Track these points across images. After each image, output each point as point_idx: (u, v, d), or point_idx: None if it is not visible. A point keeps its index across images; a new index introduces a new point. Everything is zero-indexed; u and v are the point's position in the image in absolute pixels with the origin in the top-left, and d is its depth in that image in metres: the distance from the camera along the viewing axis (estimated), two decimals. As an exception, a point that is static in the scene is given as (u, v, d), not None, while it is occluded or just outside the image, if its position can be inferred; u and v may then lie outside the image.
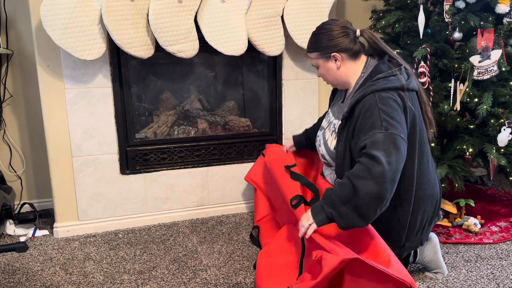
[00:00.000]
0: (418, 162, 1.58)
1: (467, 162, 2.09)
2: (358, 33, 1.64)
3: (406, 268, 1.73)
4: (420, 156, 1.59)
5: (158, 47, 2.11)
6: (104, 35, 2.05)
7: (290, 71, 2.48)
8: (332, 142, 1.71)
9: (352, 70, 1.66)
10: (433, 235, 1.81)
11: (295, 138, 2.14)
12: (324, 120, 1.89)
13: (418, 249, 1.76)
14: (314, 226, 1.42)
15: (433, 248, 1.77)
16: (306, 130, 2.11)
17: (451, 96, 2.07)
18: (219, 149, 2.47)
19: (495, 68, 2.02)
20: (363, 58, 1.68)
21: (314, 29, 1.71)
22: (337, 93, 1.87)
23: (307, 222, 1.44)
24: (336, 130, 1.69)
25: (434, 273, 1.79)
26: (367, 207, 1.35)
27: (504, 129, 2.01)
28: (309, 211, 1.46)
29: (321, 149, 1.80)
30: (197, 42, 2.16)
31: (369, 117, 1.46)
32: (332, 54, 1.63)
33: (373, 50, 1.70)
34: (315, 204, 1.47)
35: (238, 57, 2.29)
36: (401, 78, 1.54)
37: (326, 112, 1.93)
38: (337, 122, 1.71)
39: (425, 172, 1.61)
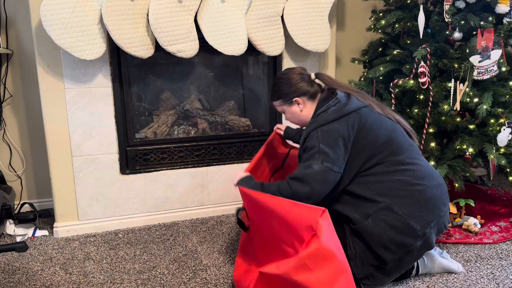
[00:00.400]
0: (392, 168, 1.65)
1: (467, 162, 2.09)
2: (313, 76, 1.81)
3: (406, 277, 1.76)
4: (392, 162, 1.65)
5: (158, 47, 2.11)
6: (104, 35, 2.05)
7: (290, 71, 2.47)
8: None
9: (312, 111, 1.80)
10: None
11: (287, 128, 2.17)
12: None
13: (419, 264, 1.78)
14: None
15: (431, 258, 1.80)
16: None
17: (451, 96, 2.07)
18: (219, 149, 2.47)
19: (495, 68, 2.02)
20: (317, 98, 1.81)
21: (274, 79, 1.88)
22: None
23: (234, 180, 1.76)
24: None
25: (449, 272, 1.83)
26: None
27: (504, 129, 2.01)
28: (242, 177, 1.75)
29: None
30: (197, 42, 2.16)
31: (310, 149, 1.65)
32: (294, 99, 1.79)
33: (327, 88, 1.83)
34: (249, 179, 1.75)
35: (238, 57, 2.29)
36: (339, 106, 1.67)
37: None
38: None
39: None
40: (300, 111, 1.80)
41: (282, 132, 2.16)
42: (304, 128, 1.97)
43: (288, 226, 1.47)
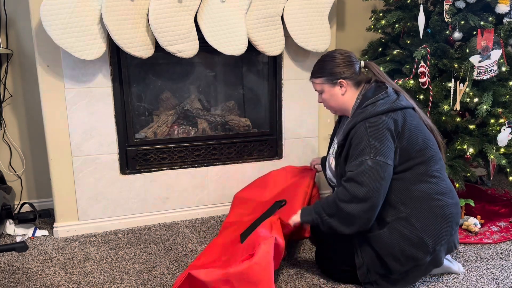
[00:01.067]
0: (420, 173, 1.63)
1: (467, 162, 2.09)
2: (362, 64, 1.77)
3: None
4: (421, 171, 1.62)
5: (158, 47, 2.11)
6: (104, 35, 2.05)
7: (290, 71, 2.48)
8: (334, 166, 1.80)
9: (353, 98, 1.76)
10: None
11: (323, 159, 2.15)
12: (331, 146, 1.98)
13: None
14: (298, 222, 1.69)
15: None
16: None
17: (451, 96, 2.07)
18: (219, 149, 2.47)
19: (495, 68, 2.02)
20: (361, 87, 1.76)
21: (320, 57, 1.80)
22: (341, 121, 1.95)
23: (296, 219, 1.69)
24: (335, 156, 1.78)
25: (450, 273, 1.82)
26: (349, 223, 1.56)
27: (504, 129, 2.01)
28: (299, 212, 1.70)
29: (328, 173, 1.95)
30: (197, 42, 2.16)
31: (358, 144, 1.58)
32: (339, 80, 1.73)
33: (375, 79, 1.78)
34: (306, 207, 1.71)
35: (238, 57, 2.29)
36: (389, 100, 1.64)
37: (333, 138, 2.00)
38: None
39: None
40: (342, 94, 1.75)
41: (319, 165, 2.16)
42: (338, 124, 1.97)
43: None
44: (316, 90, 1.83)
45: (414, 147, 1.61)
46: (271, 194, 2.20)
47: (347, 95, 1.75)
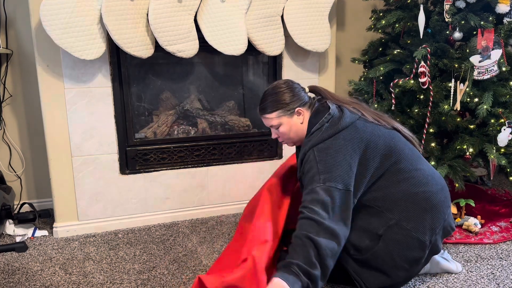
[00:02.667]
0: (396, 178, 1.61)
1: (467, 162, 2.09)
2: (307, 89, 1.74)
3: None
4: (394, 172, 1.61)
5: (158, 47, 2.11)
6: (103, 34, 2.05)
7: (290, 71, 2.47)
8: None
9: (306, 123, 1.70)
10: None
11: None
12: None
13: None
14: None
15: (431, 259, 1.79)
16: None
17: (451, 96, 2.06)
18: (219, 149, 2.47)
19: (495, 68, 2.02)
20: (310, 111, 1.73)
21: (265, 92, 1.72)
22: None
23: None
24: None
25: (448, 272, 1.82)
26: (331, 261, 1.46)
27: (504, 129, 2.01)
28: (282, 282, 1.38)
29: None
30: (197, 42, 2.16)
31: (309, 171, 1.56)
32: (297, 109, 1.67)
33: (316, 100, 1.76)
34: (286, 275, 1.41)
35: (238, 57, 2.29)
36: (333, 121, 1.60)
37: None
38: None
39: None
40: (301, 123, 1.69)
41: None
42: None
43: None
44: (271, 126, 1.72)
45: (377, 152, 1.58)
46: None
47: (304, 123, 1.69)
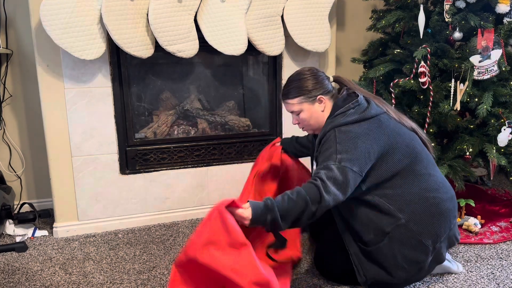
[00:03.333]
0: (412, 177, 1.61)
1: (467, 162, 2.09)
2: (331, 78, 1.74)
3: None
4: (410, 172, 1.60)
5: (158, 47, 2.11)
6: (104, 34, 2.05)
7: (290, 71, 2.46)
8: None
9: (328, 111, 1.70)
10: None
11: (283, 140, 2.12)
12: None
13: None
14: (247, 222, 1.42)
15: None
16: (297, 137, 2.10)
17: (451, 96, 2.06)
18: (219, 149, 2.47)
19: (495, 68, 2.02)
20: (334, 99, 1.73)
21: (289, 78, 1.73)
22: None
23: (245, 216, 1.41)
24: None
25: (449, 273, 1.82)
26: (304, 222, 1.47)
27: (504, 129, 2.01)
28: (250, 209, 1.41)
29: None
30: (197, 42, 2.16)
31: (327, 149, 1.55)
32: (319, 96, 1.67)
33: (345, 89, 1.75)
34: (259, 205, 1.43)
35: (238, 57, 2.29)
36: (359, 109, 1.60)
37: None
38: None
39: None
40: (322, 111, 1.68)
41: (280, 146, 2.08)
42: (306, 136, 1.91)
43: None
44: (292, 112, 1.73)
45: (397, 150, 1.58)
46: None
47: (325, 111, 1.69)
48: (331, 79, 1.74)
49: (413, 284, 1.74)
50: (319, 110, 1.69)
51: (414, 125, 1.72)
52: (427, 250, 1.59)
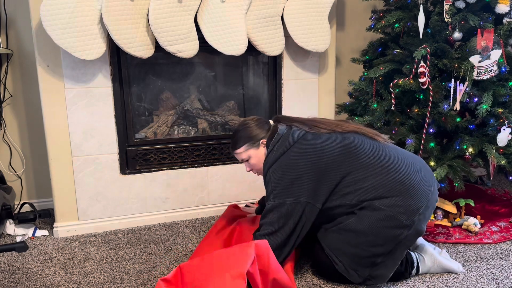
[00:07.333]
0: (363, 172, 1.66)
1: (467, 162, 2.09)
2: (272, 122, 1.85)
3: (406, 277, 1.76)
4: (358, 167, 1.66)
5: (158, 47, 2.11)
6: (104, 35, 2.05)
7: (290, 71, 2.48)
8: None
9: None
10: (426, 245, 1.84)
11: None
12: None
13: (419, 263, 1.78)
14: None
15: (431, 257, 1.80)
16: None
17: (451, 96, 2.07)
18: (219, 149, 2.47)
19: (495, 68, 2.02)
20: None
21: (235, 128, 1.87)
22: None
23: None
24: None
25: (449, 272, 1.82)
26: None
27: (504, 129, 2.01)
28: None
29: None
30: (197, 42, 2.16)
31: (267, 191, 1.70)
32: (261, 140, 1.80)
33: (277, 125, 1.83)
34: None
35: (238, 57, 2.29)
36: (283, 141, 1.69)
37: None
38: None
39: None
40: (264, 154, 1.80)
41: (252, 211, 2.22)
42: None
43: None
44: (242, 161, 1.86)
45: (333, 153, 1.66)
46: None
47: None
48: (271, 122, 1.85)
49: (413, 284, 1.74)
50: (263, 154, 1.80)
51: (357, 126, 1.78)
52: (401, 224, 1.60)
